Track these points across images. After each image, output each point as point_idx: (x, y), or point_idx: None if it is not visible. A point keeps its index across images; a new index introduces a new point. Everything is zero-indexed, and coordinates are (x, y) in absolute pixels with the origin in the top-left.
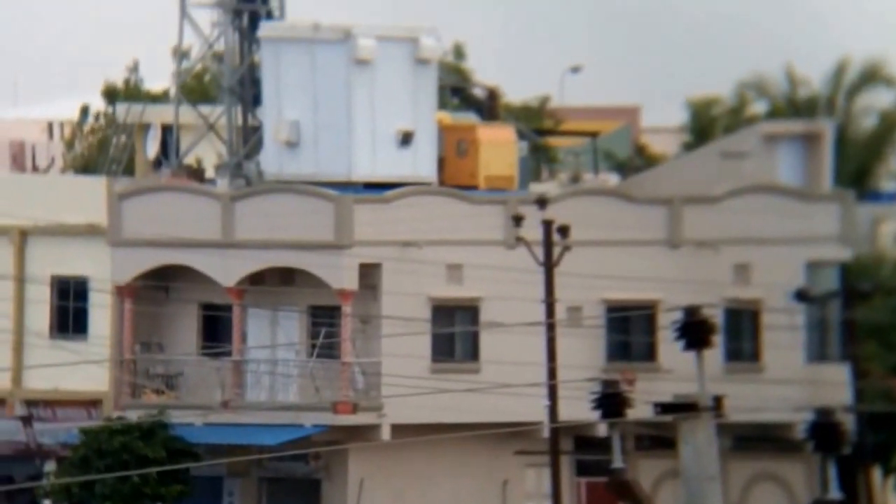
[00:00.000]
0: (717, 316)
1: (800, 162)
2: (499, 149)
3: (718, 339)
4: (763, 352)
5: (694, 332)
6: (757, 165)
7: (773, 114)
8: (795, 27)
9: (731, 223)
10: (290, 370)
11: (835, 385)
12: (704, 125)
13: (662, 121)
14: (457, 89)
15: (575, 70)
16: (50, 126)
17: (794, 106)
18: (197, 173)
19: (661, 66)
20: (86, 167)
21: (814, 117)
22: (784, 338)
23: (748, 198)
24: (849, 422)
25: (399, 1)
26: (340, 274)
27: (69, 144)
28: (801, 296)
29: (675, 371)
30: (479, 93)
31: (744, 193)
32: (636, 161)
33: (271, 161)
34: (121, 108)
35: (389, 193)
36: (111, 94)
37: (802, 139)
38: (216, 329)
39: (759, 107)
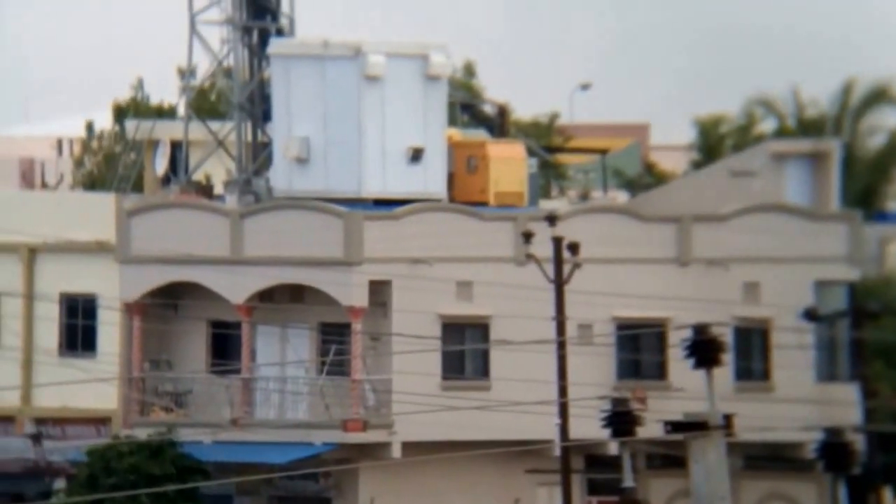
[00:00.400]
0: (726, 334)
1: (807, 181)
2: (508, 165)
3: (728, 358)
4: (773, 371)
5: (704, 350)
6: (765, 184)
7: (781, 132)
8: (802, 46)
9: (739, 242)
10: (299, 388)
11: (844, 405)
12: (712, 143)
13: (671, 139)
14: (467, 106)
15: (584, 87)
16: (59, 143)
17: (802, 125)
18: (206, 190)
19: (670, 84)
20: (94, 184)
21: (821, 136)
22: (793, 357)
23: (757, 217)
24: (859, 442)
25: (409, 19)
26: (350, 291)
27: (78, 162)
28: (810, 315)
29: (686, 389)
30: (488, 109)
31: (752, 212)
32: (645, 179)
33: (281, 177)
34: (130, 125)
35: (399, 210)
36: (120, 112)
37: (810, 158)
38: (225, 346)
39: (766, 125)
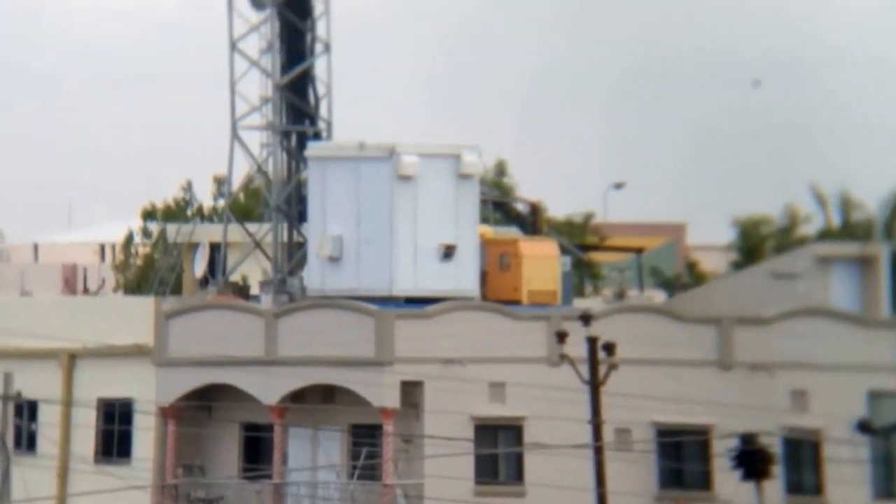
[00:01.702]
0: (775, 445)
1: (855, 286)
2: (541, 263)
3: (778, 470)
4: (826, 485)
5: (752, 461)
6: (809, 287)
7: (825, 235)
8: (844, 151)
9: (784, 347)
10: (330, 493)
11: None
12: (753, 244)
13: (708, 238)
14: (499, 203)
15: (618, 186)
16: (102, 248)
17: (848, 229)
18: (242, 290)
19: (706, 184)
20: (138, 286)
21: (867, 241)
22: (848, 471)
23: (802, 321)
24: None
25: (444, 119)
26: (382, 392)
27: (119, 267)
28: (864, 427)
29: (733, 502)
30: (521, 207)
31: (797, 316)
32: (684, 278)
33: (314, 277)
34: (171, 229)
35: (431, 308)
36: (157, 216)
37: (857, 262)
38: (257, 449)
39: (809, 228)
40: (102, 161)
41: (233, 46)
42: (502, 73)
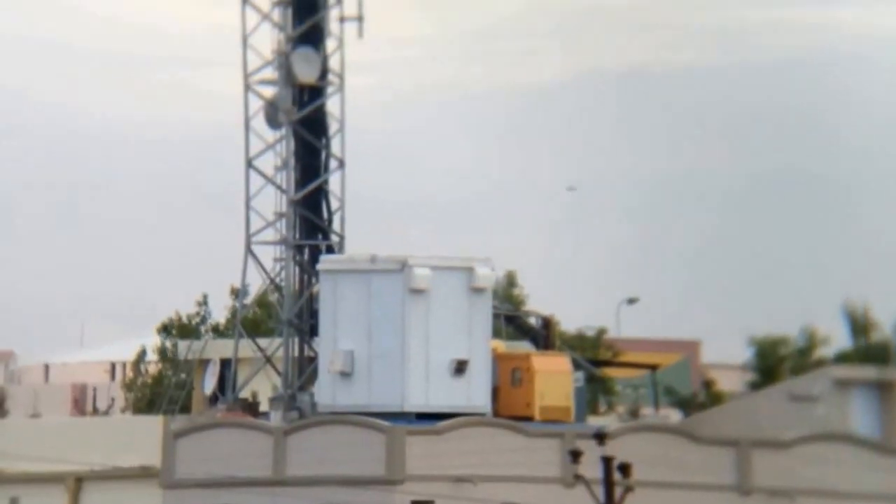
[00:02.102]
0: None
1: (874, 411)
2: (554, 379)
3: None
4: None
5: None
6: (828, 411)
7: (843, 358)
8: (861, 268)
9: (805, 472)
10: None
11: None
12: (771, 365)
13: (723, 357)
14: (511, 317)
15: (631, 302)
16: (112, 367)
17: (870, 351)
18: (252, 407)
19: (720, 301)
20: (150, 404)
21: (885, 364)
22: None
23: (822, 446)
24: None
25: (456, 234)
26: None
27: (129, 386)
28: None
29: None
30: (533, 321)
31: (817, 441)
32: (701, 397)
33: (325, 392)
34: (182, 345)
35: (441, 425)
36: (173, 331)
37: (876, 387)
38: None
39: (827, 350)
40: (116, 279)
41: (249, 164)
42: (513, 186)
